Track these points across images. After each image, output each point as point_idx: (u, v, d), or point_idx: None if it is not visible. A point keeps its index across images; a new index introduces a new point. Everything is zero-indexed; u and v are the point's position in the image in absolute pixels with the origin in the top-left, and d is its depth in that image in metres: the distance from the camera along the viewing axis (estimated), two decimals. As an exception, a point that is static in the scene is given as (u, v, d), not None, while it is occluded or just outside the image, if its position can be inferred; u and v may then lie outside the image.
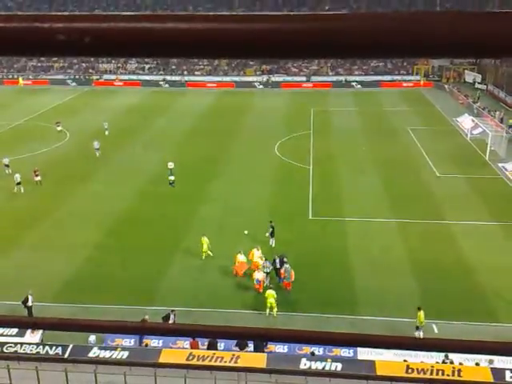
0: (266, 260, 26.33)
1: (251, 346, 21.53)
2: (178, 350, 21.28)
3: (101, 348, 20.59)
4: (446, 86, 72.77)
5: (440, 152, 44.88)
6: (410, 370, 18.61)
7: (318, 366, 19.45)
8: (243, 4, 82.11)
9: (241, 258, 26.70)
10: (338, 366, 19.37)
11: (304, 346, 20.80)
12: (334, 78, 78.10)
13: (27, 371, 16.96)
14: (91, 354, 19.93)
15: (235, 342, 21.15)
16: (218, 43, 0.97)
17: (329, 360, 19.82)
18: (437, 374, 18.54)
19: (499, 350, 2.17)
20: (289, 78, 78.57)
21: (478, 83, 71.78)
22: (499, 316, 23.67)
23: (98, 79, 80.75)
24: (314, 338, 2.29)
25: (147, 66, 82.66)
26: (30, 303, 23.53)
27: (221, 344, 21.73)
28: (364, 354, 21.09)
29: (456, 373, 18.57)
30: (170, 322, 21.81)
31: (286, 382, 15.37)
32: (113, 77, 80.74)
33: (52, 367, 17.52)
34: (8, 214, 33.91)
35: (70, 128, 52.76)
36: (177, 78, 79.73)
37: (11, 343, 20.78)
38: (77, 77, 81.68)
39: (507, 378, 18.80)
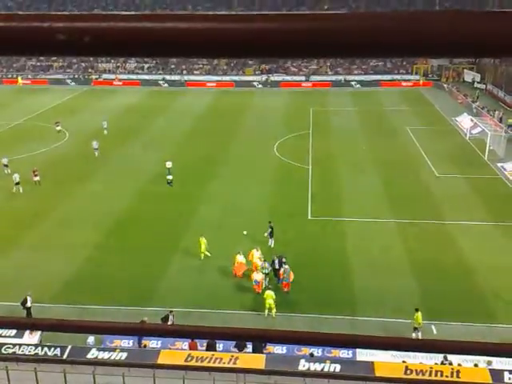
0: (264, 261, 26.31)
1: (250, 347, 21.53)
2: (176, 351, 21.26)
3: (99, 349, 20.58)
4: (445, 86, 72.84)
5: (439, 152, 44.91)
6: (408, 371, 18.61)
7: (316, 367, 19.45)
8: (242, 3, 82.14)
9: (240, 258, 26.68)
10: (337, 367, 19.37)
11: (303, 347, 20.78)
12: (334, 78, 78.17)
13: (26, 372, 16.96)
14: (90, 355, 19.92)
15: (234, 343, 21.13)
16: (218, 43, 0.97)
17: (327, 361, 19.83)
18: (435, 375, 18.55)
19: (498, 351, 2.17)
20: (288, 78, 78.62)
21: (478, 82, 71.83)
22: (498, 317, 23.66)
23: (97, 79, 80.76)
24: (312, 339, 2.29)
25: (146, 66, 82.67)
26: (28, 304, 23.50)
27: (219, 345, 21.71)
28: (363, 355, 21.10)
29: (455, 374, 18.58)
30: (169, 323, 21.82)
31: None
32: (112, 76, 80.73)
33: (50, 368, 17.50)
34: (7, 214, 33.88)
35: (69, 128, 52.74)
36: (176, 78, 79.75)
37: (10, 344, 20.75)
38: (76, 76, 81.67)
39: (506, 379, 18.81)
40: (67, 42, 0.99)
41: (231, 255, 27.02)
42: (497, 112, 54.75)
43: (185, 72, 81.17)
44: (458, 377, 18.31)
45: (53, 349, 20.23)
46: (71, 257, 28.49)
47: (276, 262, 26.36)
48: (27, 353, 20.24)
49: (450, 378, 17.98)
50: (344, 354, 21.44)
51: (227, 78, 79.22)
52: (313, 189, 37.76)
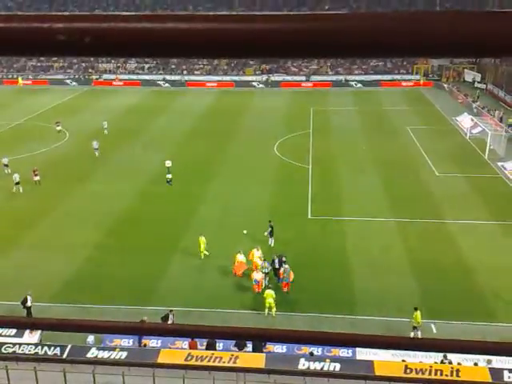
0: (264, 260, 26.31)
1: (250, 346, 21.53)
2: (176, 351, 21.27)
3: (99, 348, 20.59)
4: (446, 86, 72.80)
5: (439, 151, 44.91)
6: (408, 370, 18.63)
7: (316, 366, 19.46)
8: (243, 4, 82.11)
9: (240, 257, 26.67)
10: (337, 367, 19.39)
11: (303, 346, 20.79)
12: (334, 78, 78.13)
13: (25, 371, 16.98)
14: (89, 355, 19.93)
15: (234, 342, 21.15)
16: (218, 43, 0.97)
17: (327, 360, 19.84)
18: (435, 374, 18.56)
19: (497, 350, 2.17)
20: (288, 78, 78.59)
21: (478, 82, 71.78)
22: (498, 316, 23.67)
23: (97, 79, 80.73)
24: (312, 338, 2.29)
25: (147, 66, 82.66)
26: (29, 304, 23.50)
27: (219, 344, 21.72)
28: (362, 354, 21.11)
29: (454, 373, 18.60)
30: (169, 322, 21.82)
31: (284, 383, 15.37)
32: (112, 76, 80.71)
33: (50, 367, 17.50)
34: (7, 214, 33.90)
35: (69, 128, 52.74)
36: (176, 78, 79.73)
37: (10, 344, 20.78)
38: (76, 76, 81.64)
39: (505, 378, 18.82)
40: (67, 42, 0.99)
41: (231, 254, 27.02)
42: (497, 112, 54.75)
43: (185, 72, 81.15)
44: (457, 376, 18.33)
45: (53, 348, 20.25)
46: (71, 256, 28.49)
47: (276, 261, 26.35)
48: (27, 352, 20.26)
49: (449, 377, 18.00)
50: (344, 353, 21.44)
51: (227, 78, 79.21)
52: (313, 188, 37.76)
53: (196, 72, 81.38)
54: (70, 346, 20.14)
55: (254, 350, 21.20)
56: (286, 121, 55.87)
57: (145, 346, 22.02)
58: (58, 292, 25.60)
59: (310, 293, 25.23)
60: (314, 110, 60.42)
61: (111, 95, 70.70)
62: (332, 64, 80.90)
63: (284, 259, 26.17)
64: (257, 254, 26.78)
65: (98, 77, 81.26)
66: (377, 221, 32.57)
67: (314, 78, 78.32)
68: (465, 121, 52.29)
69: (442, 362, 20.14)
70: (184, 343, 22.01)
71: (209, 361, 19.26)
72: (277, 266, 26.23)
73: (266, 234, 29.50)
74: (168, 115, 59.14)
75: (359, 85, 75.96)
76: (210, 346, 21.23)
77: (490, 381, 18.38)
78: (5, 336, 21.93)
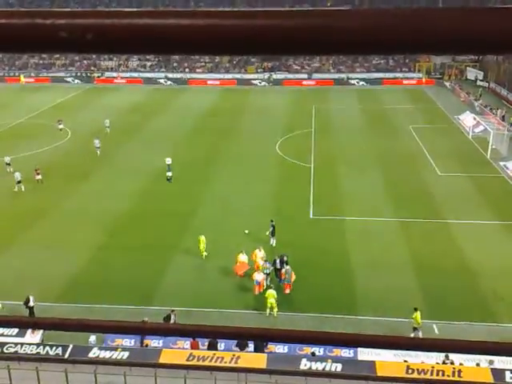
0: (266, 261, 26.26)
1: (251, 346, 21.52)
2: (178, 351, 21.27)
3: (101, 348, 20.58)
4: (448, 84, 72.67)
5: (442, 150, 44.83)
6: (410, 371, 18.60)
7: (318, 366, 19.43)
8: (245, 0, 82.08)
9: (242, 257, 26.65)
10: (339, 367, 19.35)
11: (304, 346, 20.78)
12: (336, 76, 78.06)
13: (27, 371, 16.98)
14: (91, 355, 19.92)
15: (235, 342, 21.14)
16: (220, 39, 0.96)
17: (329, 360, 19.81)
18: (437, 374, 18.54)
19: (498, 350, 2.17)
20: (290, 76, 78.56)
21: (480, 80, 71.60)
22: (500, 316, 23.64)
23: (99, 77, 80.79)
24: (314, 338, 2.29)
25: (149, 64, 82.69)
26: (31, 303, 23.52)
27: (221, 344, 21.71)
28: (364, 354, 21.09)
29: (456, 373, 18.56)
30: (171, 322, 21.82)
31: (286, 383, 15.38)
32: (114, 74, 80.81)
33: (52, 367, 17.52)
34: (9, 213, 33.93)
35: (71, 126, 52.77)
36: (178, 76, 79.74)
37: (11, 343, 20.78)
38: (78, 74, 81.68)
39: (507, 379, 18.79)
40: (69, 39, 0.99)
41: (233, 254, 27.00)
42: (499, 110, 54.65)
43: (187, 70, 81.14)
44: (459, 376, 18.30)
45: (54, 348, 20.24)
46: (73, 255, 28.49)
47: (277, 261, 26.32)
48: (29, 352, 20.25)
49: (451, 378, 17.97)
50: (346, 353, 21.42)
51: (229, 75, 79.21)
52: (315, 187, 37.71)
53: (198, 70, 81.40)
54: (71, 346, 20.13)
55: (255, 350, 21.19)
56: (288, 119, 55.84)
57: (146, 345, 22.03)
58: (60, 291, 25.58)
59: (312, 293, 25.21)
60: (316, 109, 60.37)
61: (113, 93, 70.74)
62: (334, 62, 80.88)
63: (285, 259, 26.13)
64: (259, 255, 26.72)
65: (99, 75, 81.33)
66: (379, 221, 32.52)
67: (316, 76, 78.29)
68: (467, 119, 52.20)
69: (443, 362, 20.12)
70: (186, 343, 22.01)
71: (210, 361, 19.25)
72: (278, 266, 26.19)
73: (267, 233, 29.47)
74: (170, 113, 59.15)
75: (361, 83, 75.96)
76: (212, 346, 21.23)
77: (492, 381, 18.36)
78: (7, 336, 21.94)
